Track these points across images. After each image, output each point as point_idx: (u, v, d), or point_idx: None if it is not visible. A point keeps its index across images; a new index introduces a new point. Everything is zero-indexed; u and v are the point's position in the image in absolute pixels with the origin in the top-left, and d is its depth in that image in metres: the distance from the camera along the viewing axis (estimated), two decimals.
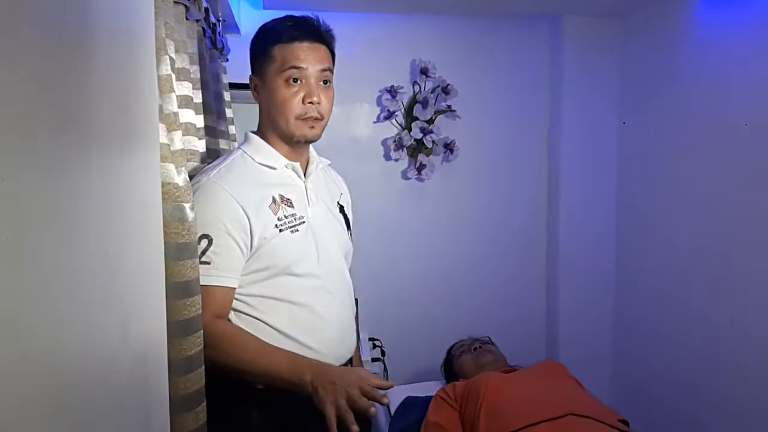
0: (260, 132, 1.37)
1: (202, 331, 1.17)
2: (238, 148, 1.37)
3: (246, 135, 1.39)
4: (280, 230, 1.28)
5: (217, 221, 1.22)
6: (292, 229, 1.30)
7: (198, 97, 1.48)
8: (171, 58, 1.19)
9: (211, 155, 1.61)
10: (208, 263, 1.21)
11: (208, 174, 1.26)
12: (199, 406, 1.14)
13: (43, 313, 0.55)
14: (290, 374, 1.19)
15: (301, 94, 1.28)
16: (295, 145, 1.35)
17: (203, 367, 1.18)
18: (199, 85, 1.50)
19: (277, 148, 1.35)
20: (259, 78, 1.33)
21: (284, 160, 1.35)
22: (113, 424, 0.73)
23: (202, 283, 1.15)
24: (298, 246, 1.31)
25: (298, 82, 1.28)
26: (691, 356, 2.07)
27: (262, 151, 1.34)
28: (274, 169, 1.33)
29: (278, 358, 1.23)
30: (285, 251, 1.29)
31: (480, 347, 2.03)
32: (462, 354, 2.05)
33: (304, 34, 1.32)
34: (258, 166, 1.33)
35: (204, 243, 1.20)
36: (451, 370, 2.09)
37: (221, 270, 1.22)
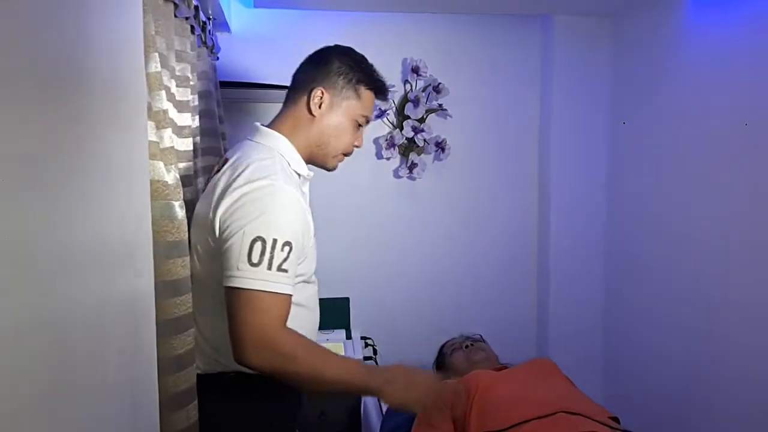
0: (287, 135, 1.34)
1: (192, 330, 1.16)
2: (271, 148, 1.31)
3: (270, 133, 1.34)
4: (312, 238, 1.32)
5: (297, 229, 1.20)
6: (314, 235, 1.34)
7: (187, 96, 1.47)
8: (160, 55, 1.18)
9: (200, 154, 1.61)
10: (286, 271, 1.16)
11: (271, 177, 1.20)
12: (190, 405, 1.14)
13: (38, 311, 0.55)
14: (363, 381, 1.22)
15: (356, 139, 1.39)
16: (311, 162, 1.40)
17: (194, 365, 1.18)
18: (187, 83, 1.49)
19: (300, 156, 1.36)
20: (331, 99, 1.33)
21: (307, 171, 1.37)
22: (101, 420, 0.72)
23: (276, 291, 1.14)
24: (315, 252, 1.36)
25: (361, 128, 1.39)
26: (681, 355, 2.08)
27: (295, 159, 1.33)
28: (299, 176, 1.34)
29: (348, 365, 1.26)
30: (314, 258, 1.34)
31: (471, 345, 2.04)
32: (453, 351, 2.06)
33: (385, 97, 1.43)
34: (293, 171, 1.32)
35: (286, 250, 1.16)
36: (442, 367, 2.10)
37: (291, 278, 1.19)
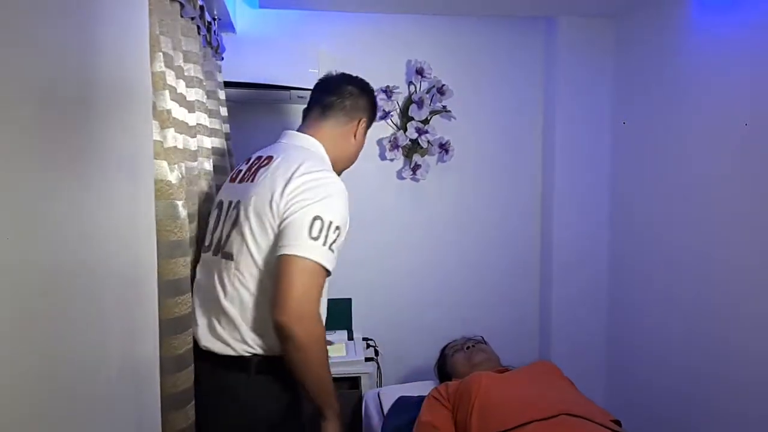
0: (325, 144, 1.54)
1: (191, 330, 1.16)
2: (314, 152, 1.50)
3: (310, 139, 1.53)
4: None
5: (345, 218, 1.36)
6: None
7: (191, 95, 1.48)
8: (165, 55, 1.18)
9: (204, 154, 1.61)
10: (333, 252, 1.31)
11: (327, 170, 1.41)
12: (188, 405, 1.14)
13: (44, 313, 0.55)
14: (330, 394, 1.37)
15: None
16: None
17: (192, 366, 1.18)
18: (192, 83, 1.49)
19: None
20: (364, 128, 1.61)
21: None
22: (105, 418, 0.73)
23: (325, 265, 1.28)
24: None
25: None
26: (685, 359, 2.08)
27: (329, 164, 1.51)
28: None
29: (331, 377, 1.39)
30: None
31: (473, 346, 2.03)
32: (455, 353, 2.05)
33: None
34: None
35: (337, 233, 1.31)
36: (444, 369, 2.09)
37: (336, 259, 1.33)
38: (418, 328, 2.62)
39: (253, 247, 1.34)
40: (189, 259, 1.16)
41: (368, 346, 2.50)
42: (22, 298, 0.53)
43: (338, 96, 1.56)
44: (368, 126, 1.63)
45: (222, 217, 1.46)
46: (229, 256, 1.37)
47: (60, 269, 0.60)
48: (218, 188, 1.62)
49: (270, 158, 1.45)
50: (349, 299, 2.55)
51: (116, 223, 0.78)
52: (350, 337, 2.47)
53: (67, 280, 0.62)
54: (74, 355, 0.64)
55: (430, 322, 2.62)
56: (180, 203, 1.12)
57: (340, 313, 2.49)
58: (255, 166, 1.46)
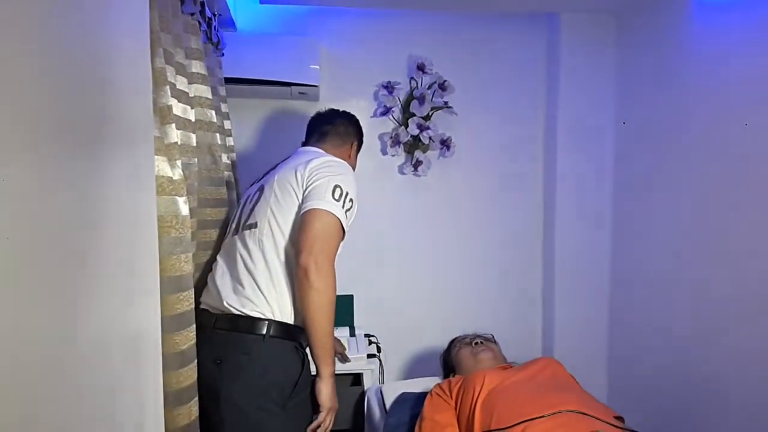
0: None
1: (194, 326, 1.16)
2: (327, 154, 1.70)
3: (320, 151, 1.73)
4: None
5: (355, 198, 1.54)
6: None
7: (192, 92, 1.47)
8: (165, 51, 1.18)
9: (205, 150, 1.60)
10: (347, 219, 1.50)
11: (343, 161, 1.63)
12: (191, 401, 1.14)
13: (50, 308, 0.54)
14: (330, 351, 1.49)
15: None
16: None
17: (195, 362, 1.18)
18: (192, 79, 1.49)
19: None
20: (355, 150, 1.88)
21: None
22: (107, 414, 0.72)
23: (344, 224, 1.47)
24: None
25: None
26: (688, 354, 2.07)
27: None
28: None
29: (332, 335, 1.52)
30: None
31: (481, 343, 2.03)
32: (462, 347, 2.05)
33: None
34: None
35: (350, 204, 1.51)
36: (449, 361, 2.10)
37: (347, 226, 1.51)
38: (419, 324, 2.62)
39: (278, 215, 1.51)
40: (191, 255, 1.16)
41: (370, 342, 2.49)
42: (23, 295, 0.52)
43: (332, 125, 1.80)
44: (358, 150, 1.89)
45: (244, 204, 1.64)
46: (253, 226, 1.53)
47: (63, 260, 0.60)
48: (219, 183, 1.61)
49: (287, 158, 1.70)
50: (351, 296, 2.55)
51: (117, 216, 0.77)
52: (352, 334, 2.47)
53: (72, 272, 0.62)
54: (77, 348, 0.64)
55: (432, 319, 2.61)
56: (181, 200, 1.12)
57: (342, 310, 2.49)
58: (274, 167, 1.70)
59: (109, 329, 0.75)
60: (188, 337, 1.10)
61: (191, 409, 1.11)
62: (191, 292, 1.12)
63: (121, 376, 0.79)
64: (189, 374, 1.11)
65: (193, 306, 1.13)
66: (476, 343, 2.04)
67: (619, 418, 1.59)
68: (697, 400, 2.02)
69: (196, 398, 1.15)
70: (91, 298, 0.68)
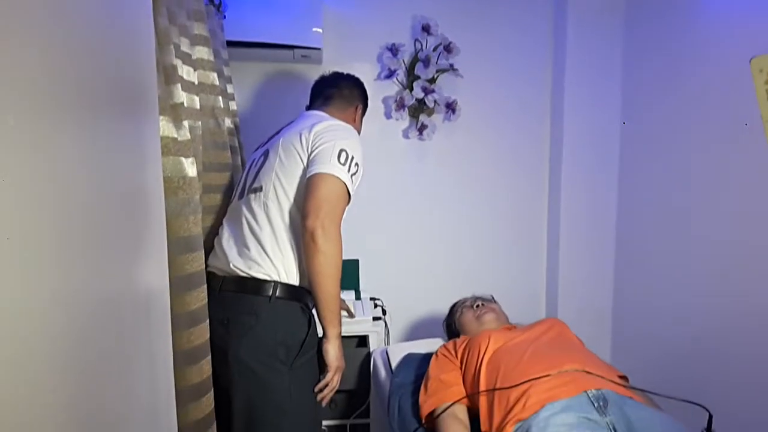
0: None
1: (204, 286, 1.17)
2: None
3: (325, 114, 1.71)
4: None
5: (361, 162, 1.54)
6: None
7: (195, 53, 1.45)
8: (169, 11, 1.16)
9: (208, 113, 1.59)
10: (353, 183, 1.50)
11: (348, 125, 1.63)
12: (203, 360, 1.15)
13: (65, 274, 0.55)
14: (337, 313, 1.50)
15: None
16: None
17: (207, 322, 1.20)
18: (196, 41, 1.47)
19: None
20: (360, 114, 1.87)
21: None
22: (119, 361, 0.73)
23: (349, 188, 1.47)
24: None
25: None
26: (693, 317, 2.09)
27: None
28: None
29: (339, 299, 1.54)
30: None
31: (482, 305, 2.04)
32: (464, 311, 2.06)
33: None
34: None
35: (356, 169, 1.50)
36: (452, 326, 2.11)
37: (352, 190, 1.51)
38: (424, 287, 2.64)
39: (283, 179, 1.51)
40: (199, 217, 1.16)
41: (376, 305, 2.52)
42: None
43: (336, 88, 1.80)
44: (363, 114, 1.88)
45: (249, 168, 1.64)
46: (258, 190, 1.54)
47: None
48: (223, 147, 1.61)
49: (291, 122, 1.69)
50: (357, 260, 2.56)
51: (122, 175, 0.77)
52: (358, 297, 2.49)
53: (78, 233, 0.62)
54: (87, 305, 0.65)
55: (437, 281, 2.63)
56: (188, 161, 1.11)
57: (347, 274, 2.50)
58: (279, 131, 1.69)
59: (119, 290, 0.76)
60: (198, 298, 1.12)
61: (203, 368, 1.13)
62: (201, 253, 1.12)
63: (132, 336, 0.80)
64: (200, 333, 1.13)
65: (203, 267, 1.14)
66: (478, 306, 2.05)
67: (624, 377, 1.61)
68: (701, 359, 2.05)
69: (209, 357, 1.16)
70: (98, 259, 0.69)
